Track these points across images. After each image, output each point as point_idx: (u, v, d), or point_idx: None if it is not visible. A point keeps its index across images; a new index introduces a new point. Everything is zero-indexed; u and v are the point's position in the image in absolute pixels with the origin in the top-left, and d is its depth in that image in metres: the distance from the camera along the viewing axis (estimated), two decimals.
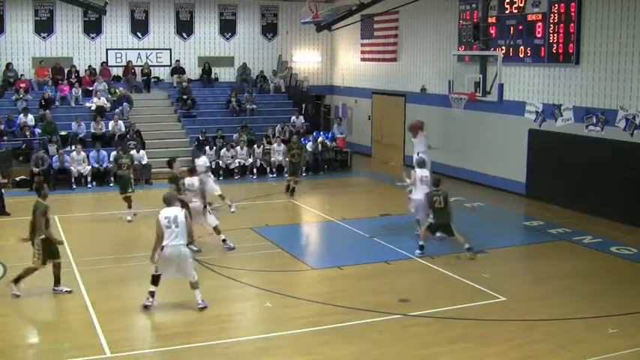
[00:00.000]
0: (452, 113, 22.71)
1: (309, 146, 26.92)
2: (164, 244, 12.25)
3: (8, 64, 28.35)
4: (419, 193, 16.81)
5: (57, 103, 27.70)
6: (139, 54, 30.62)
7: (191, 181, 16.46)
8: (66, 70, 29.05)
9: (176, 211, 12.51)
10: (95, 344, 10.98)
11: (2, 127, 25.28)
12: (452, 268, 14.94)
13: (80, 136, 25.64)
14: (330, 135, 28.79)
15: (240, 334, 11.82)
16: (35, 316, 12.48)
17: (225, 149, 25.99)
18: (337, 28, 28.49)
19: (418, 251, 15.92)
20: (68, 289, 13.29)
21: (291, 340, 11.38)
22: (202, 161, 20.04)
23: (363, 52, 31.05)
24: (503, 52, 21.33)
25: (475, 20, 23.25)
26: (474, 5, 23.69)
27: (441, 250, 16.39)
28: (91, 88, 28.53)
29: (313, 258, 16.24)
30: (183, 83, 29.75)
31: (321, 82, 33.77)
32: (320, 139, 27.69)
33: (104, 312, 12.32)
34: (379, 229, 18.16)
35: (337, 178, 26.25)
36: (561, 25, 20.49)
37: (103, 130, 26.19)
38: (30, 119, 25.84)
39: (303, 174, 22.70)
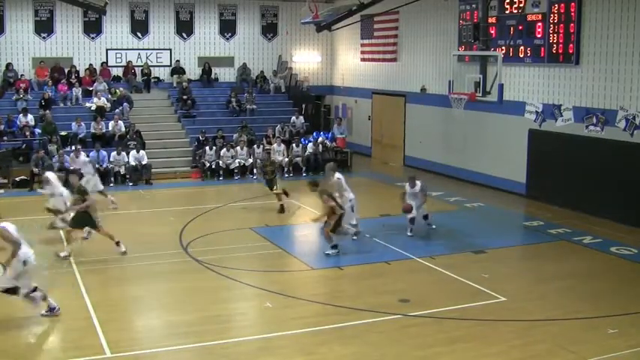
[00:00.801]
0: (452, 113, 22.69)
1: (309, 147, 26.93)
2: (29, 255, 11.99)
3: (8, 65, 28.35)
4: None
5: (60, 104, 27.72)
6: (139, 54, 30.62)
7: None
8: (66, 71, 29.04)
9: (12, 225, 12.31)
10: (95, 344, 10.99)
11: (2, 127, 25.28)
12: (452, 268, 14.94)
13: (80, 136, 25.65)
14: (330, 135, 28.79)
15: (241, 334, 11.82)
16: (35, 316, 12.45)
17: (225, 149, 25.99)
18: (337, 29, 28.51)
19: (333, 250, 16.00)
20: None
21: (292, 341, 11.38)
22: (81, 161, 20.71)
23: (363, 53, 31.05)
24: (503, 52, 21.32)
25: (475, 20, 23.25)
26: (473, 5, 23.69)
27: (441, 250, 16.41)
28: (91, 89, 28.52)
29: (313, 258, 16.22)
30: (183, 83, 29.74)
31: (321, 82, 33.76)
32: (320, 139, 27.69)
33: (104, 312, 12.32)
34: (379, 229, 18.17)
35: None
36: (561, 25, 20.49)
37: (103, 131, 26.19)
38: (30, 119, 25.84)
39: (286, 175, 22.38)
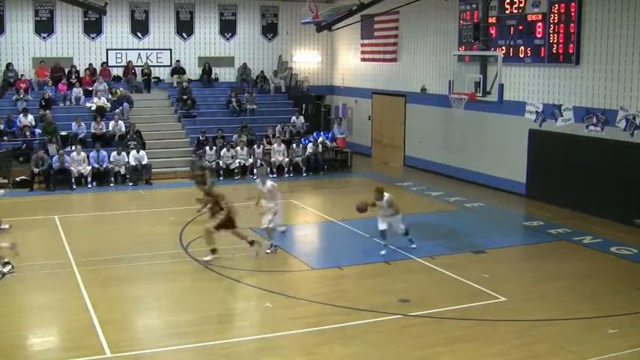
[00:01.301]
0: (452, 113, 22.70)
1: (309, 147, 26.92)
2: None
3: (8, 65, 28.34)
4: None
5: (61, 104, 27.72)
6: (139, 54, 30.60)
7: None
8: (66, 71, 29.04)
9: None
10: (95, 344, 10.99)
11: (2, 126, 25.28)
12: (452, 268, 14.94)
13: (80, 136, 25.65)
14: (330, 135, 28.78)
15: (241, 335, 11.82)
16: (35, 316, 12.47)
17: (225, 149, 25.98)
18: (337, 29, 28.50)
19: (210, 256, 15.36)
20: None
21: (292, 341, 11.38)
22: None
23: (363, 53, 31.05)
24: (504, 52, 21.33)
25: (475, 20, 23.24)
26: (474, 5, 23.68)
27: (441, 250, 16.42)
28: (91, 89, 28.51)
29: (313, 258, 16.23)
30: (184, 83, 29.73)
31: (322, 82, 33.75)
32: (320, 139, 27.68)
33: (104, 312, 12.33)
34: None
35: (337, 179, 26.23)
36: (561, 25, 20.49)
37: (104, 131, 26.18)
38: (30, 119, 25.84)
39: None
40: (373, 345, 11.09)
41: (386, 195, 16.01)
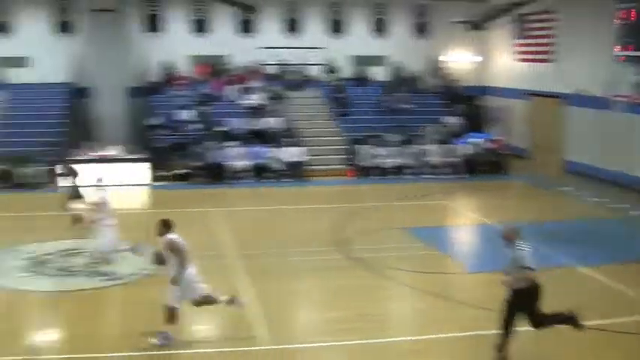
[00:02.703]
0: (613, 116, 21.64)
1: (465, 148, 26.43)
2: None
3: (168, 62, 29.48)
4: None
5: (218, 101, 28.59)
6: (293, 53, 31.01)
7: None
8: (223, 69, 29.92)
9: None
10: (255, 336, 11.20)
11: (163, 120, 26.34)
12: (615, 278, 14.09)
13: (237, 132, 26.31)
14: (485, 136, 28.11)
15: (393, 335, 11.75)
16: (196, 307, 12.68)
17: (379, 149, 26.01)
18: (491, 28, 27.85)
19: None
20: None
21: (443, 344, 11.21)
22: None
23: (517, 53, 30.22)
24: None
25: (632, 18, 21.91)
26: (632, 4, 22.33)
27: (602, 259, 15.57)
28: (247, 86, 29.18)
29: (470, 261, 15.87)
30: (337, 82, 29.93)
31: (476, 82, 33.01)
32: (476, 140, 27.12)
33: (262, 305, 12.48)
34: (540, 235, 17.51)
35: (493, 181, 25.53)
36: None
37: (260, 127, 26.75)
38: (189, 115, 26.74)
39: None
40: (530, 354, 10.71)
41: (170, 235, 10.87)
